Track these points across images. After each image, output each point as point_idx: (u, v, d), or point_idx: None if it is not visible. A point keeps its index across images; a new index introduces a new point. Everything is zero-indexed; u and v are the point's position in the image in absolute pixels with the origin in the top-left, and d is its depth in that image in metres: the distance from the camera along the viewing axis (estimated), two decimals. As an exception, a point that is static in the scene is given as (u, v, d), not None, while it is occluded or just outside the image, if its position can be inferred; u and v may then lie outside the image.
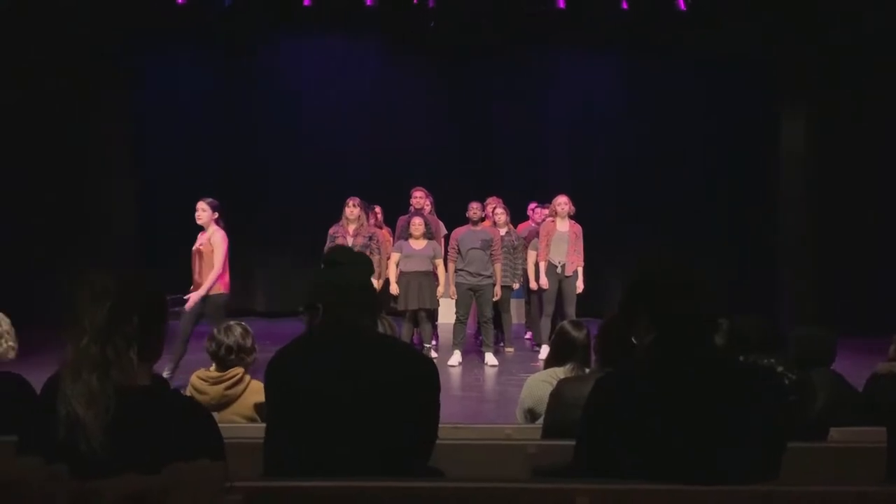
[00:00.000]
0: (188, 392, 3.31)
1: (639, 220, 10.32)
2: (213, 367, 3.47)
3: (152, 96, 10.52)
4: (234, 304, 10.34)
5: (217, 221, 5.98)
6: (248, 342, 3.42)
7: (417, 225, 7.08)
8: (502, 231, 7.61)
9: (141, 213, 10.20)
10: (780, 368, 2.93)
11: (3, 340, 2.96)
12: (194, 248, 5.97)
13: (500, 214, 7.69)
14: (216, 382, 3.36)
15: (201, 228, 5.89)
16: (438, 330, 7.89)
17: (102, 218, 6.13)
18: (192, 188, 10.57)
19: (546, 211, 7.88)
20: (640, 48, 10.41)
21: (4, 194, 7.68)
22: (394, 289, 7.05)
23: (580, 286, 7.46)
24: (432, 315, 7.38)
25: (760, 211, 9.87)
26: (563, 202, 7.48)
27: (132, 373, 1.61)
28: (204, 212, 5.94)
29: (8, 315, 3.09)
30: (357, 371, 1.95)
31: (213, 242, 5.90)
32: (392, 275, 7.09)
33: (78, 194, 5.98)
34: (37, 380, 2.54)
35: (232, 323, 3.50)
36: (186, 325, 5.85)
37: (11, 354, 3.03)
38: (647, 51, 10.36)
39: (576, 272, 7.44)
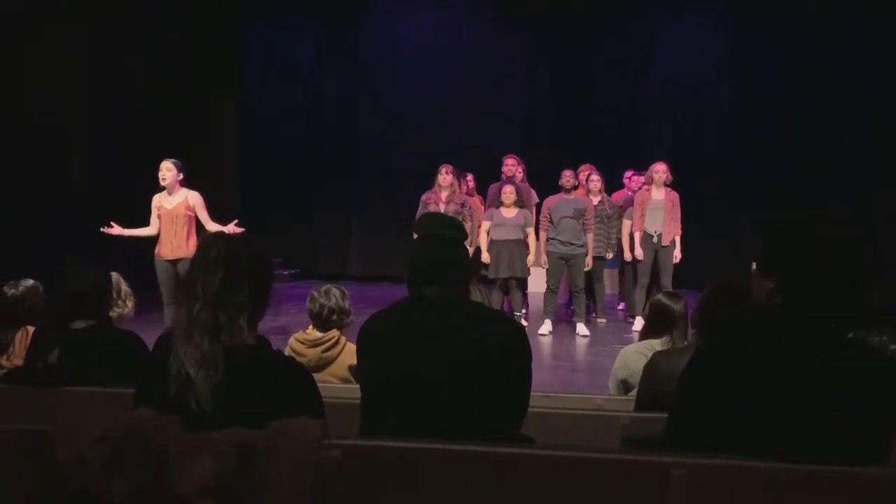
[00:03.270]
0: (287, 354, 3.45)
1: (742, 188, 9.91)
2: (310, 329, 3.59)
3: (255, 67, 10.87)
4: (329, 268, 10.73)
5: (182, 183, 5.77)
6: (346, 304, 3.57)
7: (508, 193, 7.03)
8: (596, 199, 7.47)
9: (246, 179, 10.64)
10: (892, 346, 2.77)
11: (128, 300, 3.17)
12: (165, 210, 5.72)
13: (595, 182, 7.52)
14: (314, 345, 3.48)
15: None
16: (529, 299, 7.87)
17: (211, 184, 6.47)
18: (291, 155, 10.96)
19: (643, 179, 7.68)
20: (745, 8, 9.90)
21: (123, 167, 8.09)
22: (485, 257, 7.05)
23: (678, 255, 7.25)
24: (523, 284, 7.36)
25: (874, 178, 9.21)
26: (661, 170, 7.26)
27: (242, 337, 1.68)
28: (169, 171, 5.69)
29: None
30: (449, 337, 1.96)
31: (193, 203, 5.74)
32: (483, 243, 7.09)
33: (187, 158, 6.28)
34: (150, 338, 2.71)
35: (329, 285, 3.63)
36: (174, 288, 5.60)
37: (131, 314, 3.24)
38: (753, 10, 9.84)
39: (673, 241, 7.23)
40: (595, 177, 7.52)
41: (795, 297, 1.63)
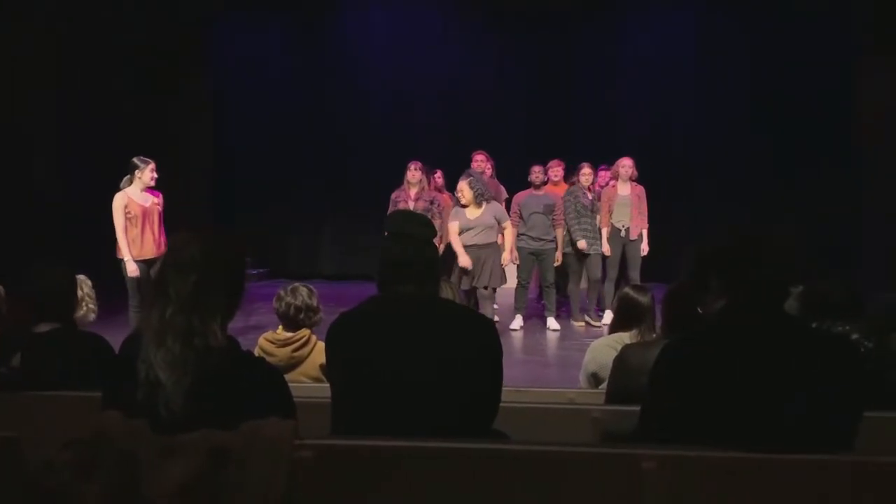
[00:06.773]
0: (257, 354, 3.42)
1: (709, 180, 10.05)
2: (279, 329, 3.56)
3: (225, 64, 10.74)
4: (301, 268, 10.65)
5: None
6: (315, 302, 3.52)
7: (458, 190, 6.43)
8: (590, 195, 7.43)
9: (217, 178, 10.53)
10: (855, 336, 2.83)
11: (84, 303, 3.09)
12: (143, 208, 5.59)
13: (587, 175, 7.32)
14: (284, 345, 3.45)
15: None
16: (500, 294, 7.84)
17: (181, 183, 6.38)
18: (261, 152, 10.85)
19: (609, 174, 7.70)
20: (715, 2, 10.05)
21: (88, 164, 7.92)
22: (463, 261, 6.34)
23: (645, 248, 7.31)
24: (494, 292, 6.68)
25: (841, 169, 9.38)
26: (626, 165, 7.31)
27: (215, 340, 1.63)
28: (155, 172, 5.66)
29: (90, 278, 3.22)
30: (420, 335, 1.96)
31: (159, 201, 5.70)
32: (457, 244, 6.40)
33: (155, 154, 6.13)
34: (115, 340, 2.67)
35: (297, 284, 3.59)
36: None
37: (92, 317, 3.16)
38: (722, 4, 9.98)
39: (640, 235, 7.30)
40: (587, 171, 7.33)
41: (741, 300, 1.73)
